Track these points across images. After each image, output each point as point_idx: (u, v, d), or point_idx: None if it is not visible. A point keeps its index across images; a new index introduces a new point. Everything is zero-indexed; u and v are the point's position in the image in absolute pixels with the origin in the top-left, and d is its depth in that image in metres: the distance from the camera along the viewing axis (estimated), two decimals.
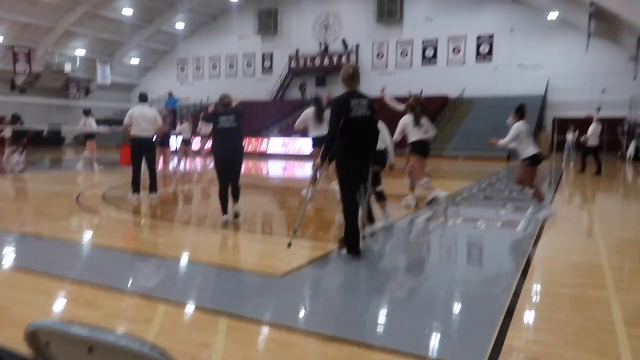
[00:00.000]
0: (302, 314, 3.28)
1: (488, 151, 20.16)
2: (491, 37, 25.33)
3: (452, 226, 6.32)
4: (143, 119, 7.80)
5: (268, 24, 30.79)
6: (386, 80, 27.57)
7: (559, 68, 23.76)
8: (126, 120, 7.84)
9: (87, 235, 5.93)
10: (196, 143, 14.88)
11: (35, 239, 5.36)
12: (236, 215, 6.20)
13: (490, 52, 25.46)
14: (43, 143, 28.29)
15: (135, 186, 7.77)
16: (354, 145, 4.46)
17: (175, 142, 14.65)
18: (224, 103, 6.30)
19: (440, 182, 12.56)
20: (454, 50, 26.24)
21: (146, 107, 8.13)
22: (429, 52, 26.81)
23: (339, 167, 4.54)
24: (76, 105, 31.56)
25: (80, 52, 31.10)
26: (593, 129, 13.71)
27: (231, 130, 6.01)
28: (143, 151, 7.85)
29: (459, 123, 23.73)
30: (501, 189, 10.59)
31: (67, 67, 30.46)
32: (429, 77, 26.37)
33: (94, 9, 27.50)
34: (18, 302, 3.33)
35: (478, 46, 25.67)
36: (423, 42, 26.85)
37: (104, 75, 32.51)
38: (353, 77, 4.76)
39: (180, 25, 32.50)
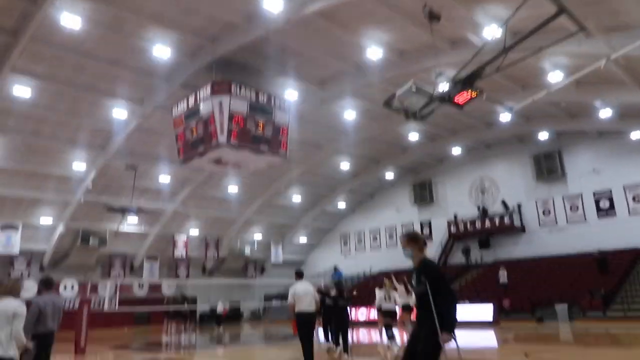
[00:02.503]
0: None
1: None
2: None
3: None
4: (305, 295, 8.27)
5: (423, 194, 31.85)
6: (558, 236, 25.57)
7: None
8: (290, 299, 8.31)
9: None
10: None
11: None
12: None
13: None
14: (225, 320, 30.82)
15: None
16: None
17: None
18: None
19: None
20: (634, 199, 23.71)
21: (306, 283, 8.57)
22: (604, 204, 24.57)
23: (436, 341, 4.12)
24: (253, 284, 34.60)
25: (258, 236, 35.07)
26: None
27: None
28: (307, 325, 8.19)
29: None
30: None
31: (247, 250, 34.26)
32: (609, 229, 23.73)
33: (270, 199, 31.56)
34: None
35: None
36: (594, 194, 24.89)
37: (277, 254, 35.75)
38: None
39: (341, 205, 35.31)
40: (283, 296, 34.86)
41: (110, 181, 24.86)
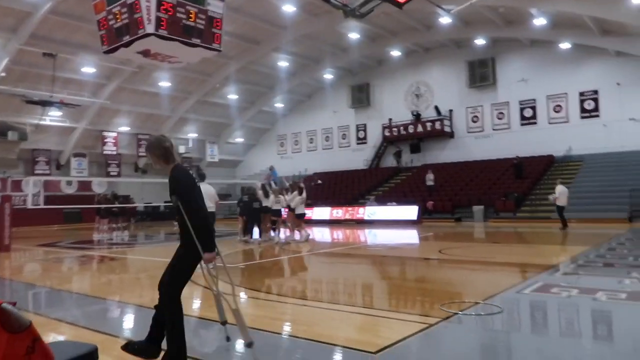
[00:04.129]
0: None
1: (605, 212, 18.52)
2: (595, 92, 23.92)
3: (567, 297, 5.75)
4: (207, 196, 8.70)
5: (361, 97, 31.92)
6: (484, 142, 26.97)
7: None
8: None
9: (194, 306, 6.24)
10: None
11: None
12: None
13: (596, 108, 23.95)
14: (160, 218, 30.94)
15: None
16: None
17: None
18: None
19: (553, 247, 11.68)
20: (554, 108, 25.08)
21: (207, 184, 9.18)
22: (528, 113, 25.87)
23: None
24: None
25: (192, 135, 34.29)
26: None
27: None
28: None
29: (568, 183, 22.12)
30: (624, 255, 9.54)
31: (182, 149, 33.57)
32: (530, 137, 25.27)
33: (204, 97, 30.50)
34: None
35: (582, 102, 24.31)
36: (520, 102, 26.06)
37: (213, 154, 35.41)
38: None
39: (279, 105, 34.84)
40: (220, 195, 35.08)
41: (28, 70, 22.91)
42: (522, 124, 26.01)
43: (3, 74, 21.95)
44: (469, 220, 21.43)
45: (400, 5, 11.19)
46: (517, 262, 9.16)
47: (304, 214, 14.66)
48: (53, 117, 26.11)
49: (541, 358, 3.88)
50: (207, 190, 9.07)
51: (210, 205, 8.99)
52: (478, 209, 21.35)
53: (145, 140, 31.39)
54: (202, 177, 9.46)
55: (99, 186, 28.19)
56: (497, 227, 18.65)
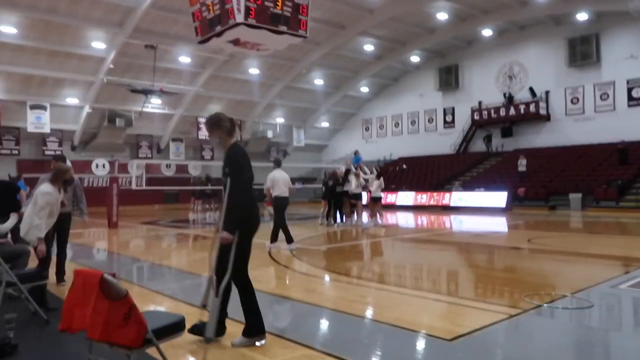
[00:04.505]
0: None
1: None
2: None
3: None
4: (282, 181, 9.23)
5: (449, 80, 30.87)
6: (584, 125, 25.01)
7: None
8: (268, 184, 9.35)
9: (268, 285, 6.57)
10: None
11: None
12: None
13: None
14: None
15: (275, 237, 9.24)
16: None
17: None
18: None
19: None
20: None
21: (281, 171, 9.47)
22: (637, 93, 23.51)
23: None
24: None
25: (280, 120, 35.27)
26: None
27: None
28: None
29: None
30: None
31: (269, 134, 34.73)
32: (638, 120, 23.01)
33: (291, 83, 31.17)
34: None
35: None
36: (627, 82, 23.73)
37: (299, 138, 36.23)
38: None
39: (364, 89, 34.69)
40: (305, 179, 36.00)
41: (132, 62, 24.83)
42: (630, 105, 23.72)
43: (111, 66, 24.05)
44: (564, 209, 20.10)
45: None
46: (615, 254, 8.54)
47: (379, 198, 14.67)
48: (154, 104, 28.17)
49: (624, 357, 3.66)
50: (282, 176, 9.36)
51: (284, 190, 9.27)
52: (575, 196, 19.93)
53: (237, 125, 32.86)
54: (278, 164, 9.76)
55: (194, 169, 30.02)
56: (596, 216, 17.32)
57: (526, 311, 4.67)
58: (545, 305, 4.87)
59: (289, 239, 9.22)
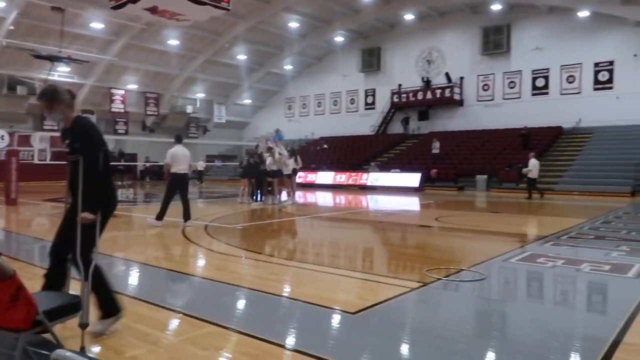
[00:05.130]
0: (368, 353, 3.27)
1: (609, 186, 18.46)
2: (611, 63, 23.39)
3: (551, 267, 5.86)
4: (183, 158, 9.14)
5: (371, 61, 31.47)
6: (493, 111, 26.65)
7: None
8: (168, 160, 9.18)
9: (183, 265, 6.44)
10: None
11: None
12: None
13: (610, 79, 23.47)
14: (163, 177, 31.27)
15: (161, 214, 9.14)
16: None
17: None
18: None
19: (549, 219, 11.77)
20: (567, 79, 24.61)
21: (182, 147, 9.35)
22: (540, 82, 25.43)
23: None
24: (196, 143, 34.56)
25: (200, 95, 34.20)
26: None
27: None
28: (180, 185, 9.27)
29: (574, 155, 22.00)
30: (618, 228, 9.59)
31: (189, 109, 33.61)
32: (540, 107, 24.95)
33: (213, 57, 30.24)
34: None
35: (596, 74, 23.80)
36: (533, 72, 25.57)
37: (220, 114, 35.40)
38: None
39: (288, 67, 34.49)
40: (225, 157, 35.34)
41: (36, 24, 22.81)
42: (534, 94, 25.64)
43: (11, 27, 21.95)
44: (471, 190, 21.47)
45: None
46: (510, 232, 9.26)
47: (289, 175, 14.80)
48: (61, 72, 26.13)
49: (510, 324, 4.03)
50: (183, 152, 9.26)
51: (184, 167, 9.19)
52: (481, 178, 21.36)
53: (153, 98, 31.43)
54: (179, 140, 9.54)
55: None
56: (499, 197, 18.68)
57: (427, 284, 4.96)
58: (443, 278, 5.20)
59: (160, 216, 9.16)
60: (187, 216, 9.22)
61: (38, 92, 3.67)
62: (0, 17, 21.61)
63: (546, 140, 23.57)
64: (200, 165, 28.04)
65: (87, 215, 3.30)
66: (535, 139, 23.30)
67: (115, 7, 16.49)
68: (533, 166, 17.25)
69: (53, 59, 22.54)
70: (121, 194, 18.27)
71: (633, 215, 12.32)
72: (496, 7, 25.19)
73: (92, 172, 3.33)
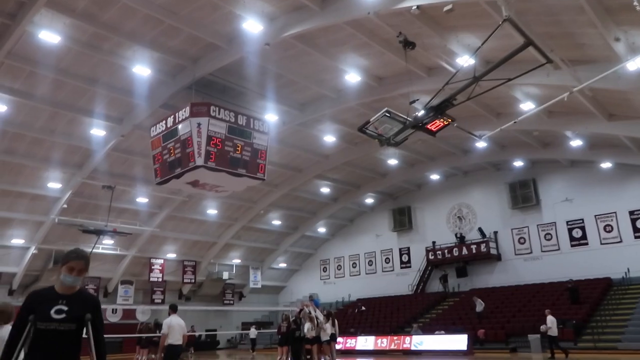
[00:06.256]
0: None
1: None
2: None
3: None
4: (178, 328, 9.08)
5: (402, 220, 31.99)
6: (533, 265, 25.81)
7: None
8: (164, 329, 9.05)
9: None
10: None
11: None
12: None
13: None
14: (201, 347, 30.09)
15: None
16: None
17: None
18: None
19: None
20: (605, 228, 24.14)
21: (178, 317, 9.32)
22: (577, 233, 24.97)
23: None
24: (230, 310, 33.98)
25: (236, 261, 34.64)
26: None
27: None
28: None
29: (632, 307, 20.42)
30: None
31: (225, 275, 33.75)
32: (582, 258, 24.05)
33: (249, 223, 31.34)
34: None
35: (633, 221, 23.34)
36: (567, 223, 25.31)
37: (256, 279, 35.29)
38: None
39: (322, 230, 35.25)
40: (261, 324, 34.29)
41: (87, 201, 24.52)
42: (572, 245, 24.98)
43: (65, 206, 23.59)
44: (525, 351, 19.69)
45: (433, 134, 11.66)
46: None
47: (327, 341, 14.01)
48: (105, 245, 27.22)
49: None
50: (179, 322, 9.22)
51: (178, 338, 9.07)
52: (534, 338, 19.67)
53: (190, 266, 31.93)
54: (174, 309, 9.52)
55: (142, 314, 28.14)
56: (558, 358, 16.98)
57: None
58: None
59: None
60: None
61: (78, 253, 3.80)
62: (56, 197, 23.39)
63: (596, 293, 22.21)
64: (253, 333, 27.65)
65: None
66: (584, 292, 22.01)
67: (160, 183, 17.90)
68: (552, 323, 16.37)
69: (99, 232, 23.67)
70: None
71: None
72: (518, 164, 26.15)
73: (104, 346, 3.52)
